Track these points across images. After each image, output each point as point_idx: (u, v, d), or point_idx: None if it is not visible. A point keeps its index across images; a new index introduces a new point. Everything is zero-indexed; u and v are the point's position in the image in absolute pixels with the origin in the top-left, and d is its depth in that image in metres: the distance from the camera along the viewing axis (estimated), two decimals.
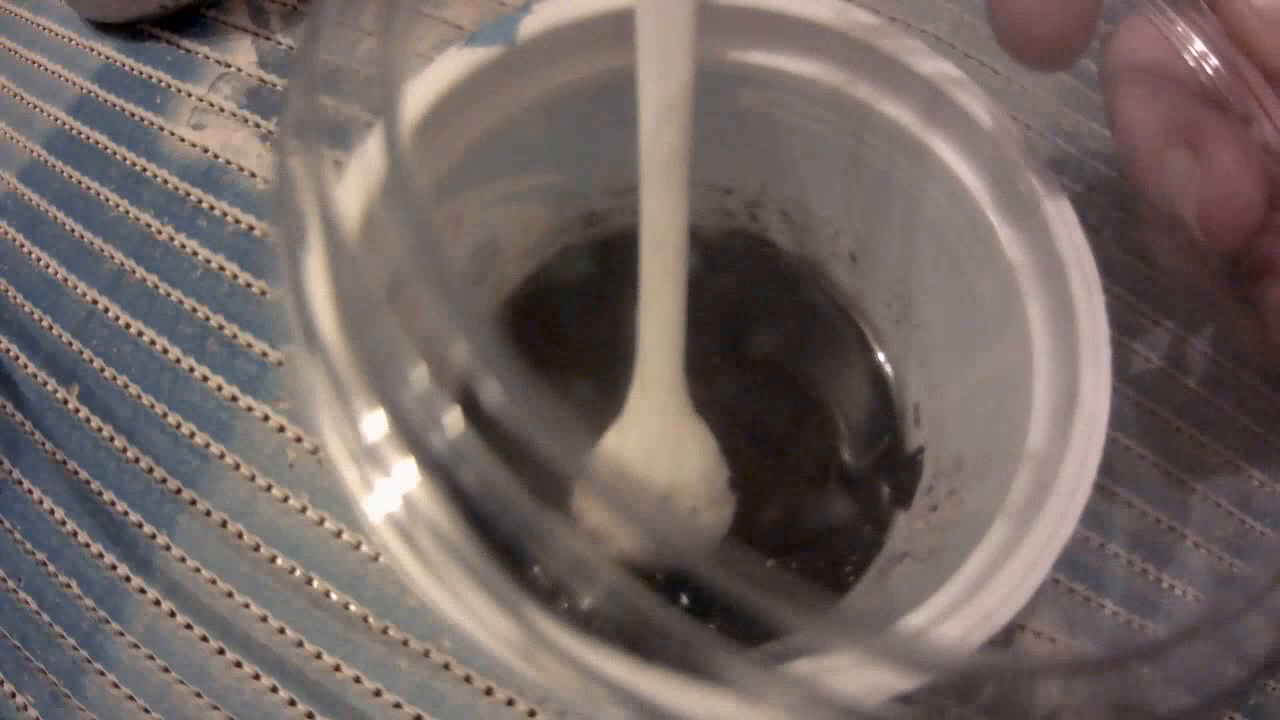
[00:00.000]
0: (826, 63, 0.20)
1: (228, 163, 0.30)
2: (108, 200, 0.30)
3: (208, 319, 0.28)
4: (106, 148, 0.31)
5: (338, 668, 0.24)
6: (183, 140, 0.31)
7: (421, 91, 0.18)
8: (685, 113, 0.19)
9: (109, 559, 0.26)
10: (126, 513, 0.26)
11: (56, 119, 0.32)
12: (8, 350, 0.29)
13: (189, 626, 0.25)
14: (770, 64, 0.20)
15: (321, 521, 0.26)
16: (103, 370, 0.28)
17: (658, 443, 0.21)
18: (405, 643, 0.24)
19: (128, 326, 0.28)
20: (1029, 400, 0.18)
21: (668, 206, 0.19)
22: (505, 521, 0.12)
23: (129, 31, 0.33)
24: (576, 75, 0.20)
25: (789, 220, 0.25)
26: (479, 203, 0.22)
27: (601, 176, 0.24)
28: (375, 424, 0.16)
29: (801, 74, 0.20)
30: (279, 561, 0.25)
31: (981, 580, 0.16)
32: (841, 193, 0.23)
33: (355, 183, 0.18)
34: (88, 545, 0.26)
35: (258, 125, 0.31)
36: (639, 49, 0.18)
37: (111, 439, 0.27)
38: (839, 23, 0.19)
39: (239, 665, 0.24)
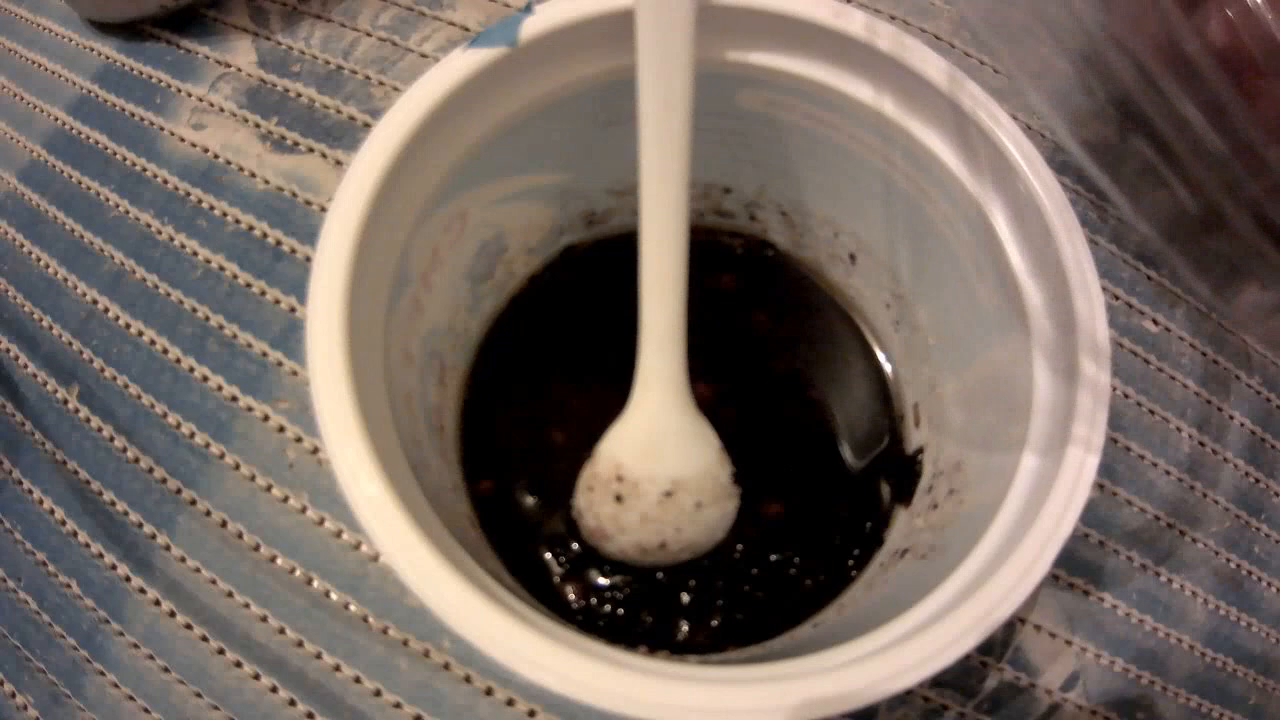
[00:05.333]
0: (826, 63, 0.20)
1: (228, 163, 0.30)
2: (108, 200, 0.30)
3: (208, 319, 0.28)
4: (106, 148, 0.31)
5: (338, 668, 0.24)
6: (183, 140, 0.31)
7: (427, 92, 0.18)
8: (685, 112, 0.19)
9: (109, 559, 0.26)
10: (126, 513, 0.26)
11: (56, 119, 0.32)
12: (8, 350, 0.29)
13: (189, 626, 0.25)
14: (770, 64, 0.20)
15: (321, 521, 0.26)
16: (103, 370, 0.28)
17: (661, 438, 0.21)
18: (405, 643, 0.24)
19: (128, 326, 0.28)
20: (1029, 400, 0.18)
21: (668, 206, 0.19)
22: None
23: (129, 31, 0.33)
24: (578, 75, 0.20)
25: (788, 220, 0.25)
26: (483, 201, 0.22)
27: (602, 176, 0.24)
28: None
29: (800, 74, 0.20)
30: (279, 561, 0.25)
31: (982, 577, 0.16)
32: (841, 193, 0.23)
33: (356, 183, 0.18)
34: (88, 545, 0.26)
35: (258, 125, 0.31)
36: (639, 49, 0.18)
37: (111, 439, 0.27)
38: (838, 23, 0.19)
39: (239, 665, 0.24)
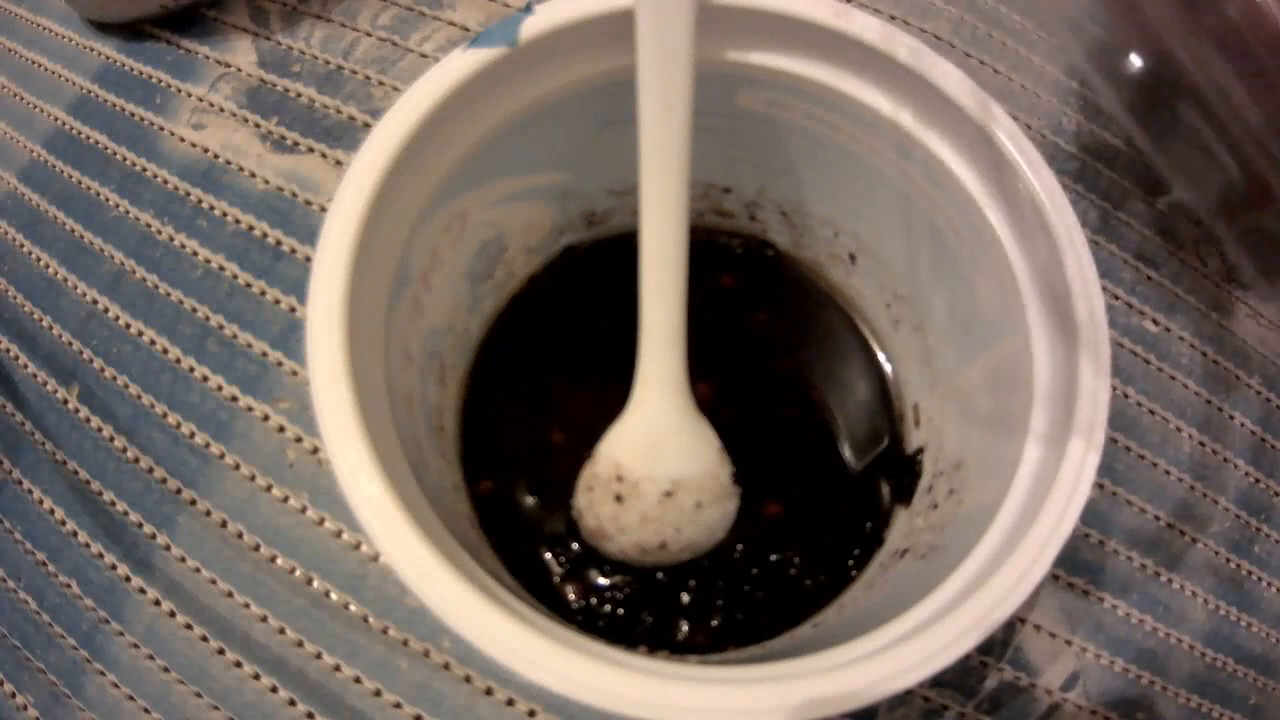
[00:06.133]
0: (826, 63, 0.20)
1: (228, 163, 0.30)
2: (108, 200, 0.30)
3: (208, 319, 0.28)
4: (106, 148, 0.31)
5: (338, 668, 0.24)
6: (183, 140, 0.31)
7: (427, 92, 0.18)
8: (685, 112, 0.19)
9: (109, 559, 0.26)
10: (126, 513, 0.26)
11: (56, 119, 0.32)
12: (8, 350, 0.29)
13: (189, 626, 0.25)
14: (770, 64, 0.20)
15: (321, 521, 0.26)
16: (103, 370, 0.28)
17: (661, 438, 0.21)
18: (405, 643, 0.24)
19: (128, 326, 0.28)
20: (1029, 400, 0.18)
21: (668, 206, 0.19)
22: None
23: (129, 31, 0.33)
24: (577, 75, 0.20)
25: (788, 220, 0.25)
26: (483, 201, 0.22)
27: (602, 176, 0.24)
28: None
29: (801, 74, 0.20)
30: (279, 561, 0.25)
31: (982, 576, 0.16)
32: (840, 193, 0.23)
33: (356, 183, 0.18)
34: (88, 545, 0.26)
35: (258, 125, 0.31)
36: (639, 49, 0.18)
37: (111, 439, 0.27)
38: (838, 23, 0.19)
39: (239, 665, 0.24)
